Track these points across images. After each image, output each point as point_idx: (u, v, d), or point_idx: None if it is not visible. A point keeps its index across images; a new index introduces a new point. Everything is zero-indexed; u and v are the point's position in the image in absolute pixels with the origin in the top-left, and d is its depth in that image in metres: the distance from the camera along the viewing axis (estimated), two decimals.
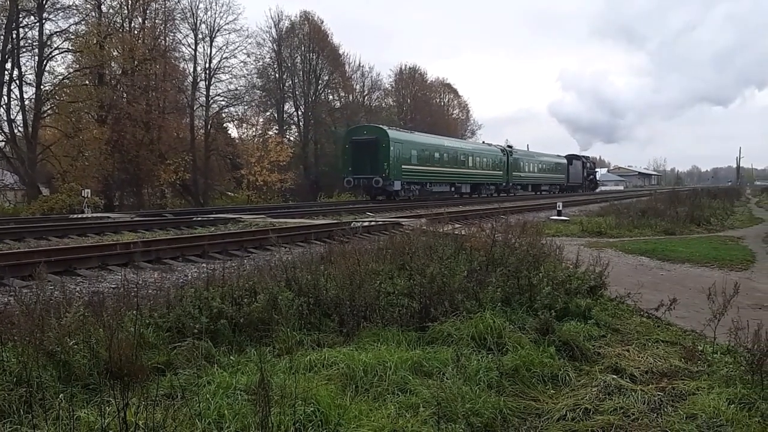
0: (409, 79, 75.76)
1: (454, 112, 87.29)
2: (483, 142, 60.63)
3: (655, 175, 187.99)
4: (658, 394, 5.14)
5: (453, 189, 47.25)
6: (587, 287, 8.44)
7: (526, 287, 7.73)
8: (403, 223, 17.97)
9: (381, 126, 41.92)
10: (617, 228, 21.25)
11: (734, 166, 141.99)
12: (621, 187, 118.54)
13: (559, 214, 26.32)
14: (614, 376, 5.53)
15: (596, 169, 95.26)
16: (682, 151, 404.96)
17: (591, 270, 9.05)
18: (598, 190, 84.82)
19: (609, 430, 4.56)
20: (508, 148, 59.07)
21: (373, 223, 18.66)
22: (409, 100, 75.65)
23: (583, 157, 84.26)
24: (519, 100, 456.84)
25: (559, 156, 74.55)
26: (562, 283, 8.06)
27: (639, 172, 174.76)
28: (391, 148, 38.13)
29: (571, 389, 5.34)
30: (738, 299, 6.89)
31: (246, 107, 51.34)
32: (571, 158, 76.69)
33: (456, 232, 11.05)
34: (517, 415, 4.85)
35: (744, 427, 4.53)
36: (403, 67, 75.58)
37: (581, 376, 5.70)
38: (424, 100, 77.45)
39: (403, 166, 39.12)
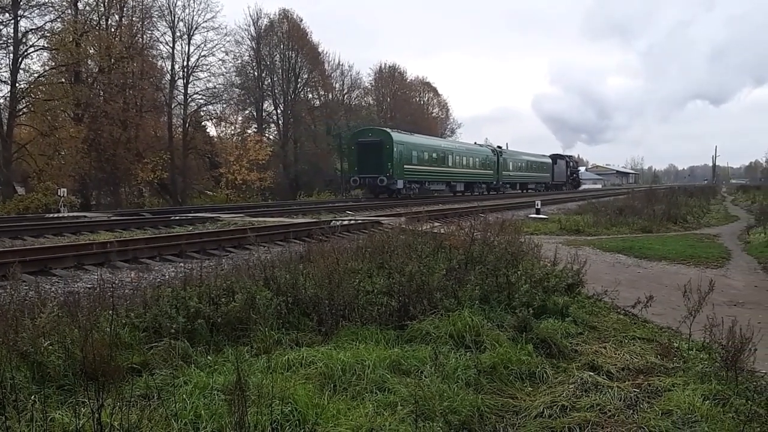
0: (389, 77, 75.77)
1: (434, 110, 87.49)
2: (475, 143, 62.35)
3: (632, 173, 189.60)
4: (635, 391, 5.19)
5: (448, 187, 50.04)
6: (565, 285, 8.50)
7: (505, 285, 7.76)
8: (383, 222, 17.97)
9: (385, 129, 45.11)
10: (595, 226, 21.40)
11: (710, 164, 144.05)
12: (599, 186, 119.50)
13: (538, 212, 26.44)
14: (591, 373, 5.57)
15: (579, 168, 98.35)
16: (660, 149, 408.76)
17: (569, 268, 9.11)
18: (581, 188, 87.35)
19: (586, 427, 4.59)
20: (498, 149, 61.98)
21: (352, 221, 18.63)
22: (389, 99, 75.67)
23: (567, 156, 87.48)
24: (498, 100, 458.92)
25: (544, 155, 77.76)
26: (540, 281, 8.11)
27: (617, 171, 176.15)
28: (395, 149, 40.73)
29: (548, 386, 5.37)
30: (713, 296, 6.99)
31: (224, 105, 51.03)
32: (555, 158, 79.58)
33: (435, 231, 11.06)
34: (494, 412, 4.87)
35: (718, 422, 4.57)
36: (383, 66, 75.65)
37: (558, 373, 5.73)
38: (404, 99, 77.50)
39: (405, 166, 41.88)
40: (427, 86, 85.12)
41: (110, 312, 5.77)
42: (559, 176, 79.25)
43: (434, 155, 46.90)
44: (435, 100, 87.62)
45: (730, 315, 6.82)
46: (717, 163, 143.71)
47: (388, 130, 44.07)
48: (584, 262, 9.42)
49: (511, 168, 63.30)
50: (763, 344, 5.86)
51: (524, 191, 66.85)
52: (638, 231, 20.95)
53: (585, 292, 8.87)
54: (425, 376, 5.20)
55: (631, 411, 4.84)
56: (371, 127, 47.32)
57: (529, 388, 5.38)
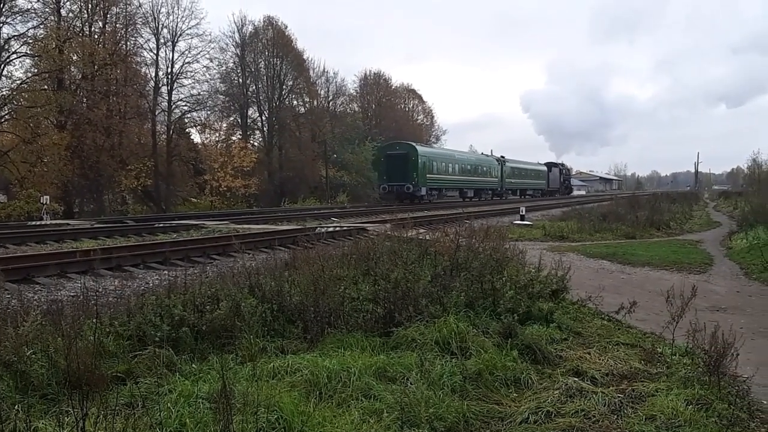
0: (374, 84, 75.78)
1: (419, 117, 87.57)
2: (482, 154, 69.50)
3: (616, 179, 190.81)
4: (619, 396, 5.22)
5: (460, 194, 56.49)
6: (549, 291, 8.54)
7: (490, 291, 7.78)
8: (369, 229, 17.98)
9: (411, 142, 51.73)
10: (579, 232, 21.54)
11: (693, 170, 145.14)
12: (583, 192, 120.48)
13: (523, 218, 26.55)
14: (576, 379, 5.60)
15: (570, 175, 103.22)
16: (643, 155, 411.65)
17: (553, 274, 9.15)
18: (572, 194, 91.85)
19: None
20: (501, 158, 68.04)
21: (338, 228, 18.64)
22: (374, 106, 75.64)
23: (560, 164, 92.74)
24: (483, 106, 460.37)
25: (540, 164, 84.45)
26: (525, 287, 8.13)
27: (600, 177, 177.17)
28: (419, 160, 47.26)
29: (533, 392, 5.39)
30: (696, 302, 7.04)
31: (209, 112, 50.75)
32: (550, 165, 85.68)
33: (421, 237, 11.08)
34: (480, 418, 4.88)
35: (701, 427, 4.61)
36: (368, 73, 75.66)
37: (543, 379, 5.76)
38: (389, 106, 77.51)
39: (427, 175, 48.47)
40: (412, 93, 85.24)
41: (94, 320, 5.74)
42: (554, 183, 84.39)
43: (450, 165, 53.54)
44: (420, 107, 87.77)
45: (713, 320, 6.88)
46: (699, 170, 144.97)
47: (414, 143, 50.81)
48: (568, 268, 9.47)
49: (512, 176, 69.59)
50: (745, 349, 5.92)
51: (523, 197, 71.20)
52: (622, 237, 21.10)
53: (569, 298, 8.91)
54: (411, 383, 5.20)
55: (616, 416, 4.87)
56: (398, 141, 54.29)
57: (515, 394, 5.40)
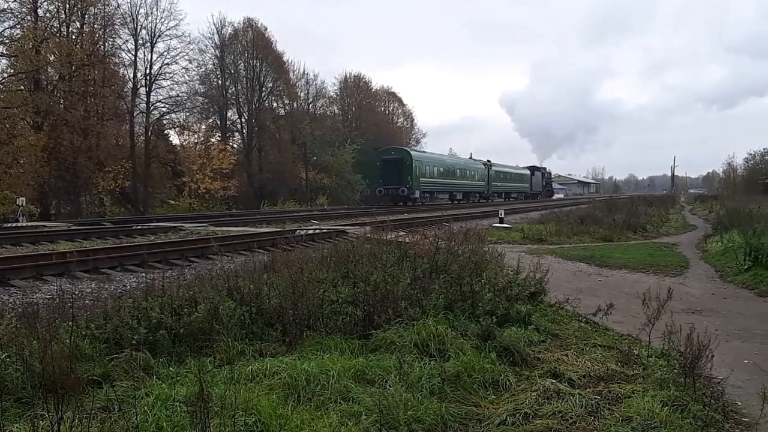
0: (354, 87, 75.72)
1: (399, 120, 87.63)
2: (471, 158, 71.15)
3: (593, 183, 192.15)
4: (596, 398, 5.26)
5: (450, 197, 59.75)
6: (528, 293, 8.58)
7: (469, 294, 7.81)
8: (348, 231, 17.97)
9: (405, 148, 56.57)
10: (557, 235, 21.69)
11: (669, 174, 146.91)
12: (561, 195, 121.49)
13: (501, 221, 26.67)
14: (553, 381, 5.63)
15: (552, 179, 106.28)
16: (620, 159, 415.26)
17: (531, 276, 9.20)
18: (554, 197, 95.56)
19: None
20: (488, 162, 71.08)
21: (317, 231, 18.61)
22: (354, 108, 75.59)
23: (542, 168, 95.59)
24: (463, 109, 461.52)
25: (524, 168, 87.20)
26: (504, 289, 8.17)
27: (578, 181, 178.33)
28: (414, 165, 50.21)
29: (511, 394, 5.41)
30: (672, 304, 7.14)
31: (188, 114, 50.36)
32: (533, 169, 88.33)
33: (400, 240, 11.10)
34: (458, 420, 4.89)
35: (677, 428, 4.66)
36: (348, 75, 75.65)
37: (521, 381, 5.78)
38: (369, 108, 77.47)
39: (421, 179, 51.53)
40: (392, 96, 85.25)
41: (70, 323, 5.68)
42: (536, 186, 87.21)
43: (441, 169, 56.54)
44: (400, 110, 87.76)
45: (689, 322, 6.95)
46: (676, 173, 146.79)
47: (408, 149, 55.46)
48: (547, 270, 9.53)
49: (498, 179, 72.59)
50: (719, 351, 6.01)
51: (507, 199, 74.36)
52: (599, 240, 21.29)
53: (547, 300, 8.97)
54: (390, 386, 5.21)
55: (593, 417, 4.91)
56: (394, 147, 57.24)
57: (493, 396, 5.42)
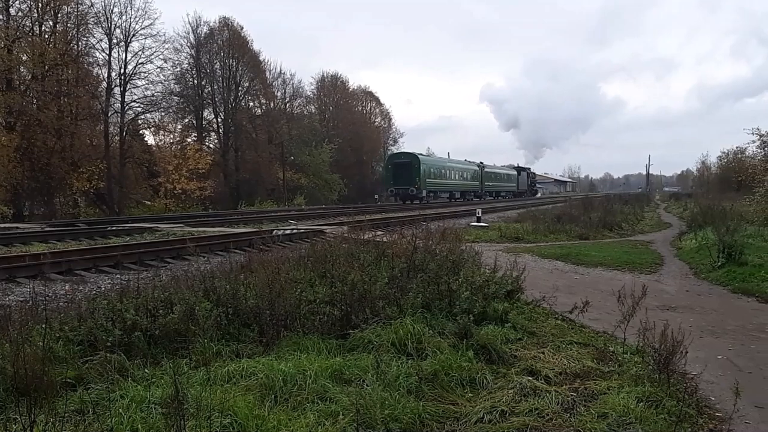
0: (331, 86, 75.72)
1: (377, 120, 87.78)
2: (465, 160, 76.32)
3: (570, 181, 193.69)
4: (572, 395, 5.29)
5: (449, 195, 65.50)
6: (505, 291, 8.61)
7: (446, 292, 7.81)
8: (326, 231, 17.95)
9: (414, 152, 61.64)
10: (534, 233, 21.81)
11: (645, 173, 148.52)
12: (539, 194, 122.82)
13: (479, 220, 26.79)
14: (530, 378, 5.66)
15: (536, 178, 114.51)
16: (596, 158, 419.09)
17: (508, 275, 9.24)
18: (537, 196, 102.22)
19: (524, 431, 4.66)
20: (480, 164, 77.14)
21: (295, 231, 18.56)
22: (331, 108, 75.60)
23: (527, 168, 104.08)
24: (440, 109, 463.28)
25: (512, 168, 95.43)
26: (481, 287, 8.18)
27: (555, 179, 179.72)
28: (421, 167, 56.76)
29: (488, 392, 5.43)
30: (647, 301, 7.20)
31: (163, 114, 50.09)
32: (519, 170, 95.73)
33: (378, 239, 11.09)
34: (435, 419, 4.90)
35: (652, 423, 4.70)
36: (325, 75, 75.57)
37: (498, 378, 5.80)
38: (347, 108, 77.52)
39: (427, 180, 57.92)
40: (369, 95, 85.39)
41: (43, 325, 5.60)
42: (522, 185, 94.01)
43: (443, 171, 63.26)
44: (377, 110, 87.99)
45: (663, 319, 7.03)
46: (651, 172, 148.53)
47: (416, 153, 61.28)
48: (523, 268, 9.57)
49: (489, 179, 79.11)
50: (693, 347, 6.08)
51: (497, 197, 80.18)
52: (575, 238, 21.44)
53: (524, 299, 9.01)
54: (367, 385, 5.20)
55: (569, 414, 4.94)
56: (403, 151, 66.31)
57: (470, 394, 5.42)
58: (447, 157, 71.98)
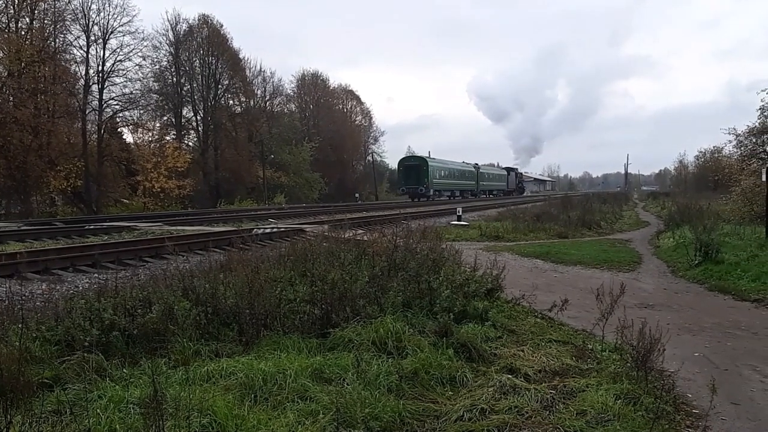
0: (312, 85, 75.56)
1: (357, 118, 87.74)
2: (464, 162, 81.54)
3: (550, 180, 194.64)
4: (551, 392, 5.32)
5: (451, 194, 71.35)
6: (485, 290, 8.65)
7: (426, 291, 7.82)
8: (306, 230, 17.90)
9: (423, 156, 67.72)
10: (514, 232, 21.93)
11: (623, 172, 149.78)
12: (526, 192, 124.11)
13: (459, 219, 26.86)
14: (509, 376, 5.68)
15: (523, 178, 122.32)
16: (575, 157, 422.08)
17: (488, 273, 9.28)
18: (525, 193, 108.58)
19: (504, 429, 4.68)
20: (476, 165, 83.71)
21: (275, 229, 18.49)
22: (311, 106, 75.45)
23: (515, 169, 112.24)
24: (421, 108, 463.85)
25: (502, 168, 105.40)
26: (461, 286, 8.22)
27: (535, 178, 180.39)
28: (429, 169, 63.29)
29: (468, 390, 5.44)
30: (625, 299, 7.26)
31: (142, 111, 49.57)
32: (509, 170, 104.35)
33: (359, 238, 11.09)
34: (416, 417, 4.90)
35: (630, 420, 4.74)
36: (306, 73, 75.37)
37: (478, 376, 5.82)
38: (327, 107, 77.41)
39: (434, 180, 64.53)
40: (350, 94, 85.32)
41: (20, 325, 5.54)
42: (512, 184, 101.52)
43: (447, 173, 70.01)
44: (358, 108, 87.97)
45: (641, 317, 7.10)
46: (629, 171, 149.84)
47: (425, 156, 67.12)
48: (503, 267, 9.61)
49: (484, 179, 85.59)
50: (671, 344, 6.15)
51: (488, 195, 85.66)
52: (555, 236, 21.58)
53: (504, 297, 9.04)
54: (347, 384, 5.19)
55: (548, 412, 4.97)
56: (413, 155, 73.82)
57: (450, 392, 5.44)
58: (444, 158, 76.29)
